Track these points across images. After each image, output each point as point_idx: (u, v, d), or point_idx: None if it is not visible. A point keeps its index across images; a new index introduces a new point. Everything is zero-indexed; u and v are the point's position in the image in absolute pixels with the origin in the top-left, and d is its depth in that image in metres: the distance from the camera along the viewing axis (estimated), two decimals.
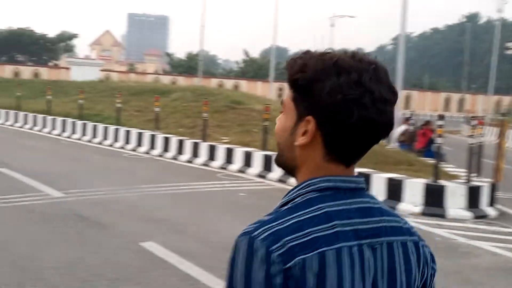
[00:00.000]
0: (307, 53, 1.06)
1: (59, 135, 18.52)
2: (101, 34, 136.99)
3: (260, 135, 14.12)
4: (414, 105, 56.19)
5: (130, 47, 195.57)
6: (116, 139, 16.56)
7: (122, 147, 16.04)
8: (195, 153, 13.93)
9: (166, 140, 14.90)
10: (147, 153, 15.12)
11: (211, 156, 13.54)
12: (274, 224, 0.99)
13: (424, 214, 8.99)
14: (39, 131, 19.50)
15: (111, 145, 16.43)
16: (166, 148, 14.80)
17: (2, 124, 21.29)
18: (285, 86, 1.09)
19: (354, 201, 1.05)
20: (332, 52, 1.06)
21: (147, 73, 55.67)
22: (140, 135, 15.81)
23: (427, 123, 16.19)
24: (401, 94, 60.65)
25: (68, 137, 18.04)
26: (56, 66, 54.33)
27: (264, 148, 12.62)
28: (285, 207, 1.04)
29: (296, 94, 1.06)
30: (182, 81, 50.94)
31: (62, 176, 11.15)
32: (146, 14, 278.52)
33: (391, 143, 15.11)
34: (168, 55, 60.58)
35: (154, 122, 17.05)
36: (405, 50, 18.82)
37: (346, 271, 0.98)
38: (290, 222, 0.99)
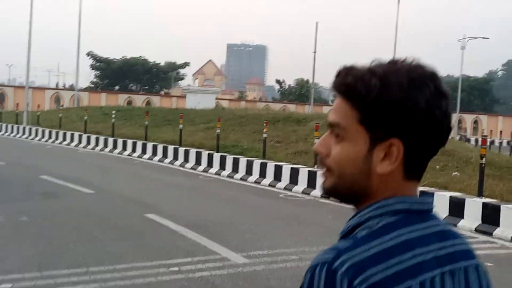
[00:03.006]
0: (371, 67, 0.97)
1: (194, 168, 16.41)
2: (203, 63, 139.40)
3: (462, 175, 11.17)
4: None
5: (229, 76, 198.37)
6: (263, 175, 14.12)
7: (272, 185, 13.55)
8: None
9: None
10: (306, 193, 12.51)
11: None
12: (354, 253, 0.90)
13: None
14: (171, 163, 17.54)
15: (257, 182, 14.00)
16: None
17: (129, 155, 19.64)
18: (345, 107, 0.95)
19: (428, 224, 0.97)
20: (396, 61, 0.98)
21: (258, 101, 53.99)
22: (295, 172, 13.24)
23: None
24: None
25: (205, 171, 15.86)
26: (168, 95, 53.99)
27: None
28: (362, 233, 0.94)
29: (369, 115, 0.95)
30: (292, 108, 48.79)
31: (231, 228, 8.70)
32: (244, 44, 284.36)
33: None
34: (278, 82, 58.72)
35: (303, 155, 14.54)
36: None
37: None
38: (371, 252, 0.90)
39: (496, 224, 8.89)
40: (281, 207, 11.04)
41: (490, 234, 8.80)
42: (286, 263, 6.83)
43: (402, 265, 0.90)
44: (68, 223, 8.68)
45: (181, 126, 18.16)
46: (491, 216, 8.97)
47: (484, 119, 55.77)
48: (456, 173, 11.66)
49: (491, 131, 35.01)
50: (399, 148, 0.95)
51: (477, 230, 9.02)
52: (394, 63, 0.97)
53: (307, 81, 55.77)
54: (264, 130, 14.83)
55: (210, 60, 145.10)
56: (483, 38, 46.95)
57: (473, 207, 9.29)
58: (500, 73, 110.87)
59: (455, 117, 50.19)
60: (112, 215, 9.44)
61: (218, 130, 16.32)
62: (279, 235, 8.34)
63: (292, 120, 20.48)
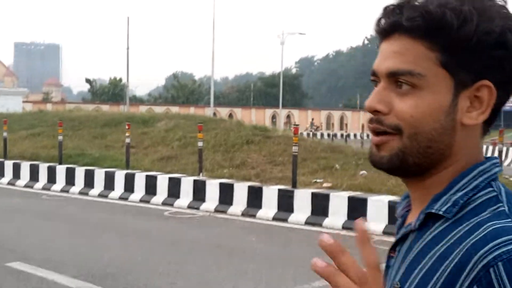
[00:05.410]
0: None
1: (29, 186, 13.04)
2: None
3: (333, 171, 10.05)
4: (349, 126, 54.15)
5: (20, 77, 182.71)
6: (130, 189, 11.52)
7: (145, 200, 11.06)
8: (288, 207, 9.38)
9: (229, 188, 10.19)
10: (193, 208, 10.31)
11: (316, 210, 9.09)
12: None
13: None
14: None
15: (123, 198, 11.36)
16: (228, 201, 10.10)
17: None
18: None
19: None
20: None
21: (67, 102, 48.99)
22: (175, 183, 10.92)
23: None
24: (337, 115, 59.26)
25: (46, 189, 12.63)
26: None
27: None
28: (501, 203, 0.75)
29: (457, 55, 0.76)
30: (106, 109, 45.24)
31: (149, 275, 6.20)
32: (34, 42, 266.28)
33: None
34: (89, 82, 54.11)
35: (172, 161, 12.42)
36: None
37: None
38: None
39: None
40: (183, 231, 8.70)
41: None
42: None
43: None
44: None
45: (5, 134, 14.47)
46: None
47: (295, 113, 57.91)
48: (363, 172, 10.50)
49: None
50: (491, 92, 0.77)
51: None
52: None
53: (120, 80, 52.43)
54: (127, 134, 12.16)
55: None
56: (300, 34, 48.55)
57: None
58: (294, 70, 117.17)
59: (284, 112, 51.25)
60: None
61: (60, 137, 13.13)
62: (224, 279, 6.10)
63: (137, 121, 17.83)
